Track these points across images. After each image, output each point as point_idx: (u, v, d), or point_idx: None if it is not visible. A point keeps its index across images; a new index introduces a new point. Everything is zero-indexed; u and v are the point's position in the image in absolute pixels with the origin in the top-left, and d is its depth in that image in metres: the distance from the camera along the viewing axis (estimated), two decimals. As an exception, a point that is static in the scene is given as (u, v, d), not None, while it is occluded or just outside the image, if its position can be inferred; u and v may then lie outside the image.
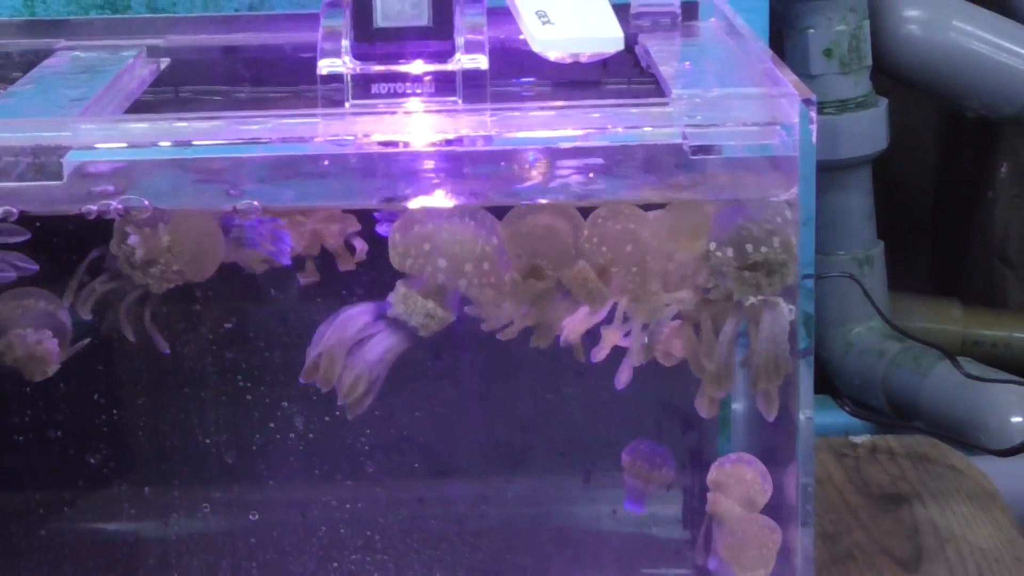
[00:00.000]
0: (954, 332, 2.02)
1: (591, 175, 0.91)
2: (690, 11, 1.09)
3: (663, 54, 1.01)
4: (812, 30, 1.86)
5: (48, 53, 1.09)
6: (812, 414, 0.93)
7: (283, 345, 1.06)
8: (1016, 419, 1.75)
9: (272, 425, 1.09)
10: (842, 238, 1.94)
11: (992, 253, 2.15)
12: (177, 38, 1.11)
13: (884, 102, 1.91)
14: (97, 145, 0.89)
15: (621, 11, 0.97)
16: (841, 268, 1.93)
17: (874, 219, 1.97)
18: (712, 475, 0.96)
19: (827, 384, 1.97)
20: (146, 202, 0.89)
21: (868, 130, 1.90)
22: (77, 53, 1.09)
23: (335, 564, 1.12)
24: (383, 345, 0.96)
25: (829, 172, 1.89)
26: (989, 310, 2.12)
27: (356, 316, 0.97)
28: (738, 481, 0.96)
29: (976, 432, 1.76)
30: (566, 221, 0.94)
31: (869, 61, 1.90)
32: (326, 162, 0.90)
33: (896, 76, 1.95)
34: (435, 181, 0.92)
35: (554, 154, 0.90)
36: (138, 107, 1.02)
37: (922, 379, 1.87)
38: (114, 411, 1.07)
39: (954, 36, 1.92)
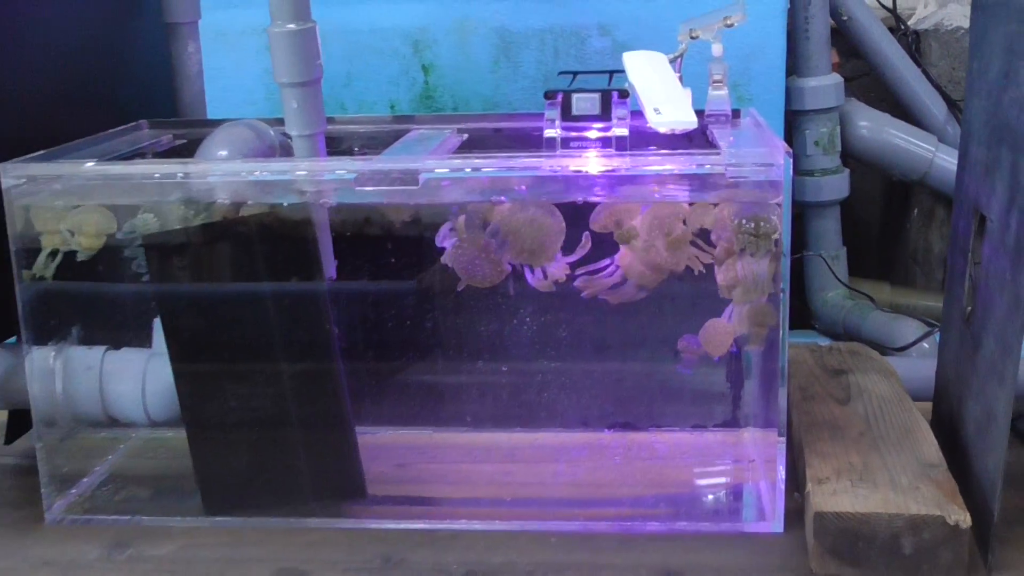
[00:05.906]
0: (885, 300, 2.01)
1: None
2: (736, 114, 1.11)
3: (720, 134, 1.05)
4: (808, 130, 1.89)
5: (405, 132, 1.14)
6: (788, 325, 0.95)
7: (517, 295, 1.07)
8: (910, 339, 1.78)
9: (509, 330, 1.09)
10: (822, 244, 1.96)
11: (908, 257, 2.15)
12: (471, 124, 1.16)
13: (847, 171, 1.93)
14: (436, 170, 0.96)
15: (698, 113, 1.01)
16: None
17: (840, 234, 1.98)
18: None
19: (812, 324, 2.00)
20: (504, 198, 0.96)
21: (838, 186, 1.92)
22: (421, 131, 1.14)
23: (544, 415, 1.12)
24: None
25: (815, 208, 1.93)
26: (905, 288, 2.10)
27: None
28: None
29: (889, 344, 1.79)
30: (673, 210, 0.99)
31: (839, 148, 1.92)
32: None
33: (854, 156, 1.97)
34: (600, 190, 0.97)
35: (660, 178, 0.95)
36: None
37: (863, 319, 1.89)
38: (429, 323, 1.10)
39: (886, 136, 1.94)
